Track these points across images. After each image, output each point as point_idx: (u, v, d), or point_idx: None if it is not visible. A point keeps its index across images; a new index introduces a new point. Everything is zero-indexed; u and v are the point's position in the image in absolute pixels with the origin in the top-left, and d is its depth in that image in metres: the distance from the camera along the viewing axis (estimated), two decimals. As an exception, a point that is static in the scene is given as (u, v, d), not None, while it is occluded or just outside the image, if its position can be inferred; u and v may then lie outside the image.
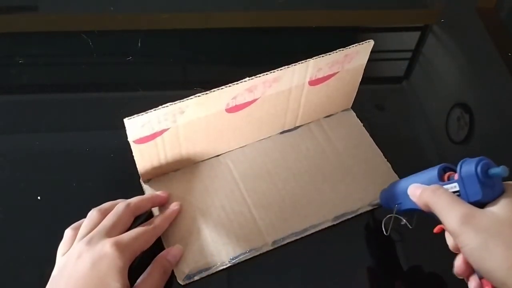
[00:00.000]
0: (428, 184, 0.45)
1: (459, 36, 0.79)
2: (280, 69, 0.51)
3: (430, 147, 0.63)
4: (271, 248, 0.52)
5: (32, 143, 0.60)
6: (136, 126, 0.47)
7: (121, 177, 0.56)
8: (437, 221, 0.43)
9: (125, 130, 0.47)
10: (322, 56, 0.52)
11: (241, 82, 0.49)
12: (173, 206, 0.53)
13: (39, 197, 0.55)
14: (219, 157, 0.58)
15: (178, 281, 0.49)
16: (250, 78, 0.49)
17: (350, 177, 0.57)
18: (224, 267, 0.50)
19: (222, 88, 0.49)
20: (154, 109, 0.47)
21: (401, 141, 0.64)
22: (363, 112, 0.66)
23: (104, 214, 0.48)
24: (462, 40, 0.78)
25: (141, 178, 0.55)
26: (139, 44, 0.71)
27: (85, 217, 0.49)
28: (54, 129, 0.62)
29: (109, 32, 0.68)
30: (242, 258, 0.50)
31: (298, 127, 0.61)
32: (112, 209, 0.49)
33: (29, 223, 0.53)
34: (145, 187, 0.55)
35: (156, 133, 0.50)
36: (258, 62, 0.74)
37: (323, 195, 0.55)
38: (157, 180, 0.56)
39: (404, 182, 0.49)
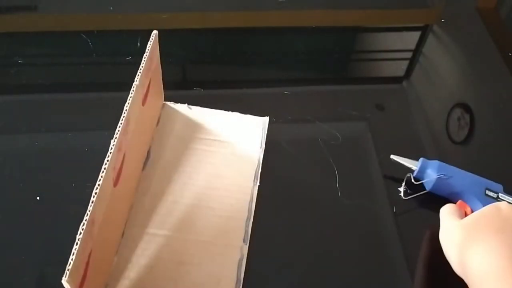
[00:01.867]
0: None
1: (459, 36, 0.79)
2: (125, 109, 0.47)
3: (430, 147, 0.63)
4: None
5: (31, 143, 0.60)
6: None
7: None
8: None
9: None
10: (139, 74, 0.49)
11: (111, 148, 0.43)
12: None
13: (38, 198, 0.54)
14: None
15: None
16: (114, 140, 0.44)
17: None
18: None
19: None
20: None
21: (401, 141, 0.64)
22: (363, 112, 0.66)
23: None
24: (462, 40, 0.78)
25: None
26: (139, 44, 0.71)
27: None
28: (53, 129, 0.62)
29: (108, 32, 0.68)
30: None
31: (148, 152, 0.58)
32: None
33: (29, 224, 0.53)
34: None
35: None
36: (258, 62, 0.74)
37: None
38: None
39: (470, 176, 0.54)
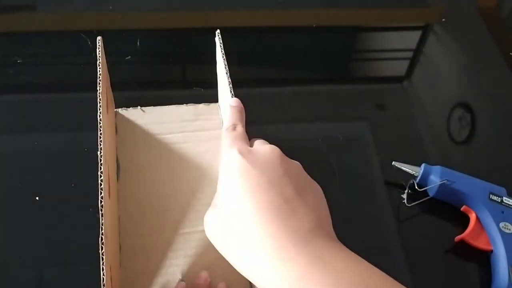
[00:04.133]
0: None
1: (460, 36, 0.78)
2: (99, 118, 0.47)
3: (431, 147, 0.63)
4: None
5: (30, 143, 0.60)
6: None
7: (120, 177, 0.56)
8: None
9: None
10: (99, 82, 0.49)
11: (100, 160, 0.43)
12: None
13: (37, 198, 0.54)
14: None
15: None
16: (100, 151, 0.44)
17: None
18: None
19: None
20: None
21: (401, 141, 0.63)
22: (363, 112, 0.65)
23: None
24: (463, 39, 0.78)
25: None
26: (138, 44, 0.71)
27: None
28: (52, 129, 0.62)
29: (108, 31, 0.68)
30: None
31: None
32: None
33: (28, 224, 0.53)
34: None
35: None
36: (258, 62, 0.73)
37: None
38: None
39: (473, 181, 0.54)
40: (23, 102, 0.63)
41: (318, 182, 0.58)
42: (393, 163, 0.57)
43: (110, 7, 0.77)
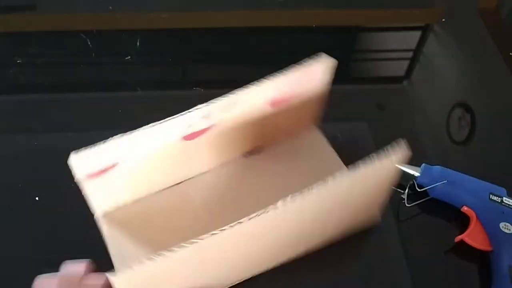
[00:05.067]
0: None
1: (460, 36, 0.78)
2: (236, 93, 0.49)
3: (431, 147, 0.63)
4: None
5: (30, 143, 0.60)
6: (83, 162, 0.45)
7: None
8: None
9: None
10: (279, 76, 0.50)
11: (196, 109, 0.47)
12: None
13: (37, 198, 0.54)
14: (180, 184, 0.55)
15: None
16: (206, 104, 0.47)
17: None
18: None
19: (175, 117, 0.47)
20: (102, 141, 0.45)
21: (401, 141, 0.63)
22: (363, 112, 0.65)
23: None
24: (463, 39, 0.78)
25: (95, 214, 0.52)
26: (138, 44, 0.71)
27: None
28: (51, 129, 0.62)
29: (107, 31, 0.68)
30: None
31: (262, 149, 0.58)
32: None
33: (27, 224, 0.53)
34: (102, 222, 0.52)
35: (107, 168, 0.47)
36: (258, 62, 0.73)
37: None
38: (114, 215, 0.52)
39: (473, 181, 0.54)
40: (22, 102, 0.63)
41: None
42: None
43: (110, 7, 0.77)
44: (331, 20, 0.81)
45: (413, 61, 0.75)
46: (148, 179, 0.53)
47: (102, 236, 0.51)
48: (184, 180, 0.56)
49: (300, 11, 0.81)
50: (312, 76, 0.52)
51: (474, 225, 0.52)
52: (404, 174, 0.56)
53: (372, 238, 0.54)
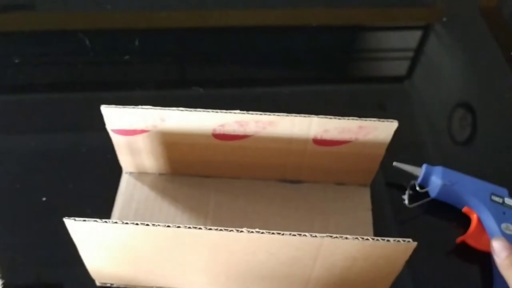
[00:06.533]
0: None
1: (461, 35, 0.78)
2: (277, 115, 0.48)
3: (432, 147, 0.63)
4: None
5: (28, 143, 0.60)
6: (113, 116, 0.48)
7: (117, 177, 0.56)
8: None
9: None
10: (330, 118, 0.49)
11: (230, 112, 0.48)
12: None
13: (44, 198, 0.54)
14: (206, 179, 0.56)
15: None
16: (241, 112, 0.48)
17: None
18: None
19: (208, 111, 0.48)
20: (133, 107, 0.47)
21: (402, 141, 0.63)
22: (364, 111, 0.65)
23: None
24: (464, 39, 0.77)
25: (123, 169, 0.55)
26: (137, 43, 0.70)
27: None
28: (50, 129, 0.61)
29: (106, 30, 0.68)
30: None
31: (301, 182, 0.56)
32: None
33: (26, 224, 0.53)
34: (123, 178, 0.55)
35: (136, 131, 0.50)
36: (258, 62, 0.73)
37: None
38: (137, 176, 0.55)
39: (474, 181, 0.54)
40: (21, 102, 0.63)
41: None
42: (394, 163, 0.56)
43: (108, 7, 0.77)
44: (331, 20, 0.81)
45: (414, 60, 0.75)
46: (175, 159, 0.54)
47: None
48: (212, 177, 0.56)
49: (300, 11, 0.81)
50: (365, 130, 0.50)
51: (475, 226, 0.52)
52: (405, 174, 0.56)
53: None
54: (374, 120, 0.48)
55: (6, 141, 0.61)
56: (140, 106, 0.47)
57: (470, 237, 0.51)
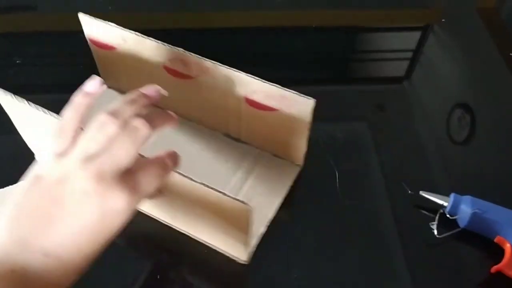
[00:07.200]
0: None
1: (459, 36, 0.78)
2: (213, 62, 0.52)
3: (431, 147, 0.63)
4: None
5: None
6: (88, 24, 0.56)
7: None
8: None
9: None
10: (255, 78, 0.51)
11: (175, 48, 0.52)
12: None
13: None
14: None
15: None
16: (184, 51, 0.52)
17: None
18: None
19: (158, 43, 0.53)
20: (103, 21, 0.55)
21: (401, 141, 0.63)
22: (363, 112, 0.65)
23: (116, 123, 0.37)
24: (463, 40, 0.78)
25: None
26: (138, 44, 0.71)
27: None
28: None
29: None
30: None
31: (242, 142, 0.60)
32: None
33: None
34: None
35: (106, 45, 0.57)
36: (258, 62, 0.73)
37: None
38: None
39: (504, 210, 0.52)
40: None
41: (318, 182, 0.58)
42: (420, 192, 0.55)
43: (109, 8, 0.77)
44: (331, 20, 0.81)
45: (413, 61, 0.75)
46: (135, 84, 0.53)
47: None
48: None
49: (300, 11, 0.81)
50: (288, 102, 0.51)
51: (510, 255, 0.50)
52: (432, 204, 0.54)
53: (369, 232, 0.54)
54: (294, 93, 0.50)
55: (6, 141, 0.61)
56: (107, 22, 0.54)
57: (506, 266, 0.49)
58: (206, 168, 0.57)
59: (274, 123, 0.54)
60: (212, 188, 0.42)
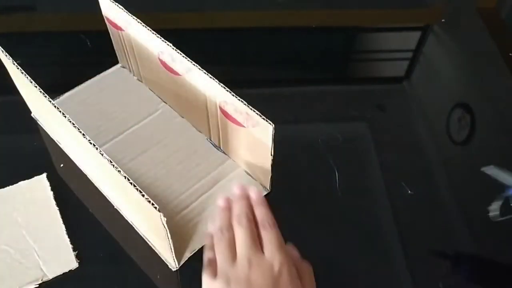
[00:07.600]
0: None
1: (459, 36, 0.78)
2: (194, 64, 0.52)
3: (431, 147, 0.63)
4: None
5: (30, 143, 0.60)
6: (105, 2, 0.59)
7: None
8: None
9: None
10: (226, 90, 0.49)
11: (165, 42, 0.53)
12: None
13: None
14: (158, 100, 0.64)
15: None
16: (172, 47, 0.53)
17: None
18: None
19: (152, 33, 0.55)
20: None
21: (401, 141, 0.63)
22: (363, 112, 0.65)
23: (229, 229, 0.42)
24: (462, 40, 0.78)
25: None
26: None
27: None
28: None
29: (107, 32, 0.67)
30: None
31: (221, 151, 0.59)
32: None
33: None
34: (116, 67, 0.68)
35: (117, 26, 0.60)
36: (258, 62, 0.73)
37: None
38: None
39: None
40: (22, 103, 0.63)
41: (318, 182, 0.58)
42: (483, 168, 0.51)
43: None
44: (331, 20, 0.82)
45: (413, 61, 0.75)
46: (140, 69, 0.64)
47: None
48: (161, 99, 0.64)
49: (300, 11, 0.81)
50: (252, 120, 0.49)
51: None
52: (495, 184, 0.51)
53: (369, 232, 0.54)
54: (256, 113, 0.47)
55: (6, 141, 0.61)
56: (115, 3, 0.57)
57: None
58: (177, 166, 0.57)
59: (243, 139, 0.53)
60: (132, 185, 0.41)
